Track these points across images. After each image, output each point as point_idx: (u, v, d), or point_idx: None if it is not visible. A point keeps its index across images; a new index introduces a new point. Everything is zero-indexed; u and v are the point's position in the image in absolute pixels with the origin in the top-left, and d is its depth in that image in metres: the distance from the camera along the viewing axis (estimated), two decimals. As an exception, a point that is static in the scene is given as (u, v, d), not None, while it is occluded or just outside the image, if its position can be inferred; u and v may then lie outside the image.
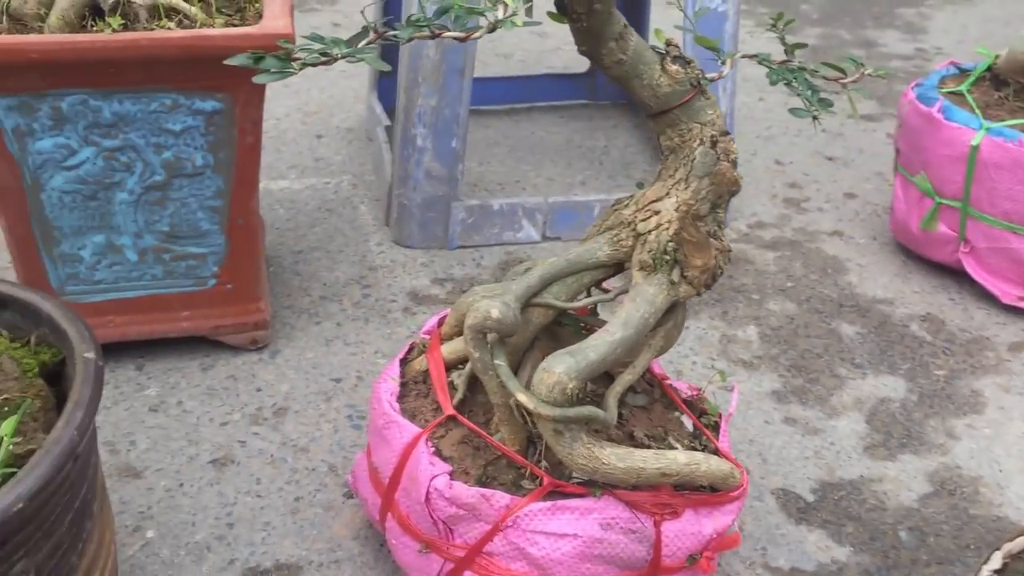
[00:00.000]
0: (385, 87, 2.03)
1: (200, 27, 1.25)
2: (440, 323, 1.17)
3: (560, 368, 0.91)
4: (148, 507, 1.21)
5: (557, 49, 2.57)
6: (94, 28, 1.23)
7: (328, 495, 1.25)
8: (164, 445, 1.30)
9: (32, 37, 1.16)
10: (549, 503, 0.96)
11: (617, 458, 0.93)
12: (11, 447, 0.80)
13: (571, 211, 1.79)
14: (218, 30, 1.21)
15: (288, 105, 2.24)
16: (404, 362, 1.12)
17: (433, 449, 1.00)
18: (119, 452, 1.29)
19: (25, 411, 0.84)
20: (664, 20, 1.67)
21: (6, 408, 0.85)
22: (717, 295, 1.66)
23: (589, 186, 1.98)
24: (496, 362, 0.96)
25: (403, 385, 1.09)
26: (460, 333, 1.11)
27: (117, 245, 1.34)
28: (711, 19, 1.69)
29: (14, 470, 0.78)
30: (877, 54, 2.70)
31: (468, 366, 1.05)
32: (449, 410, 1.03)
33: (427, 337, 1.15)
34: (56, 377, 0.95)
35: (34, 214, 1.29)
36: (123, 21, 1.23)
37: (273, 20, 1.24)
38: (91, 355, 0.89)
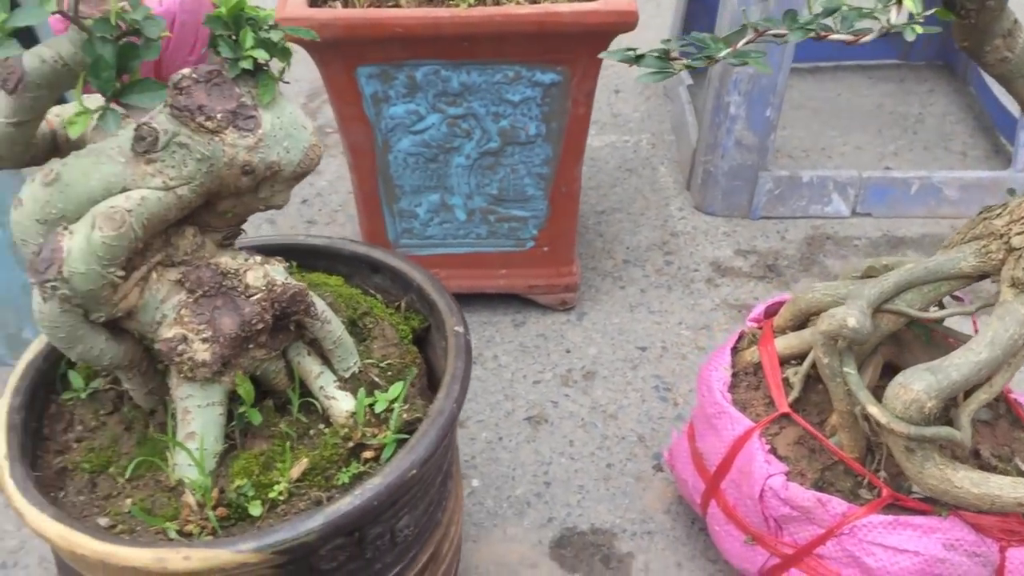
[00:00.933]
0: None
1: (545, 1, 1.28)
2: (767, 312, 1.16)
3: (919, 386, 0.88)
4: (472, 456, 1.30)
5: (865, 2, 2.43)
6: (448, 3, 1.28)
7: (638, 465, 1.28)
8: (484, 398, 1.38)
9: (398, 11, 1.23)
10: (890, 517, 0.94)
11: (972, 483, 0.90)
12: (402, 415, 0.88)
13: (886, 187, 1.70)
14: (566, 5, 1.23)
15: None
16: (735, 351, 1.12)
17: (768, 447, 1.00)
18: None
19: (410, 379, 0.92)
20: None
21: (390, 372, 0.93)
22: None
23: (902, 158, 1.87)
24: (846, 370, 0.94)
25: (734, 375, 1.09)
26: (795, 327, 1.10)
27: (449, 204, 1.42)
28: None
29: (405, 436, 0.86)
30: None
31: (805, 364, 1.04)
32: (784, 408, 1.02)
33: (754, 325, 1.15)
34: (419, 342, 1.02)
35: (381, 173, 1.38)
36: (473, -5, 1.28)
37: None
38: (460, 329, 0.95)
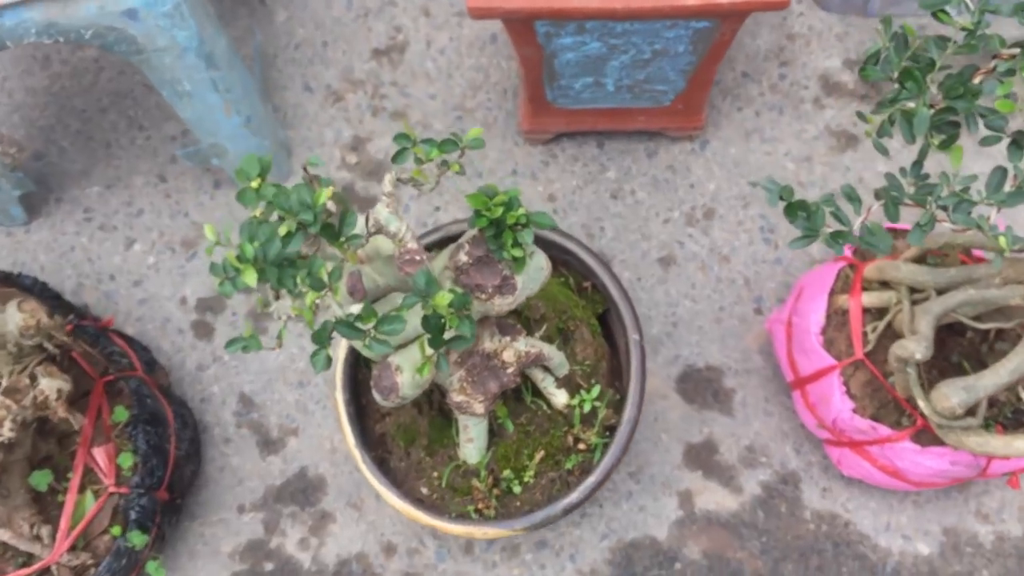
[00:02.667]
0: None
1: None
2: (854, 252, 1.50)
3: (955, 400, 1.29)
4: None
5: None
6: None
7: (743, 308, 1.71)
8: (624, 237, 1.76)
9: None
10: (917, 447, 1.41)
11: (1003, 445, 1.35)
12: (602, 419, 1.33)
13: None
14: (728, -13, 1.35)
15: None
16: (831, 293, 1.48)
17: (844, 388, 1.44)
18: (594, 236, 1.77)
19: (606, 398, 1.35)
20: None
21: (588, 369, 1.36)
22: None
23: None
24: (908, 370, 1.34)
25: (827, 317, 1.48)
26: (880, 284, 1.45)
27: (601, 83, 1.65)
28: None
29: (606, 440, 1.32)
30: None
31: (881, 325, 1.42)
32: (860, 355, 1.44)
33: (844, 266, 1.49)
34: (600, 318, 1.42)
35: (546, 69, 1.60)
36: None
37: (776, -31, 1.36)
38: (637, 337, 1.35)
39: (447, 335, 1.02)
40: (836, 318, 1.49)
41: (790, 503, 1.60)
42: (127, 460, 1.42)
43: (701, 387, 1.67)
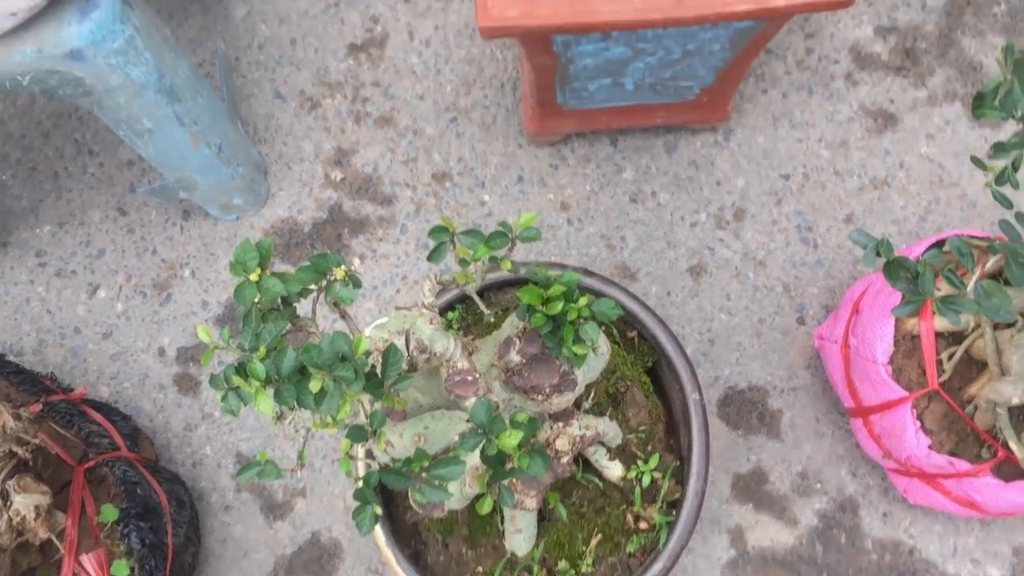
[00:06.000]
0: None
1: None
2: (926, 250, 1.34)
3: (1053, 445, 1.16)
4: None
5: None
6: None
7: (784, 319, 1.56)
8: (649, 246, 1.59)
9: (613, 10, 1.15)
10: (1001, 481, 1.29)
11: None
12: (665, 493, 1.18)
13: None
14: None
15: None
16: (897, 320, 1.34)
17: (919, 423, 1.30)
18: (615, 248, 1.59)
19: (668, 469, 1.19)
20: None
21: (643, 435, 1.20)
22: None
23: None
24: (999, 411, 1.20)
25: (895, 343, 1.33)
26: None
27: (620, 83, 1.45)
28: None
29: (670, 518, 1.17)
30: None
31: (959, 352, 1.28)
32: (935, 386, 1.29)
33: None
34: (650, 372, 1.25)
35: (559, 75, 1.40)
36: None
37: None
38: (697, 397, 1.19)
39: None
40: (904, 343, 1.34)
41: (850, 533, 1.48)
42: (122, 569, 1.24)
43: (745, 410, 1.53)
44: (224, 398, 0.83)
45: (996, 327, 1.25)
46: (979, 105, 0.92)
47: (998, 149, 0.92)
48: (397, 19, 1.68)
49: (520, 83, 1.62)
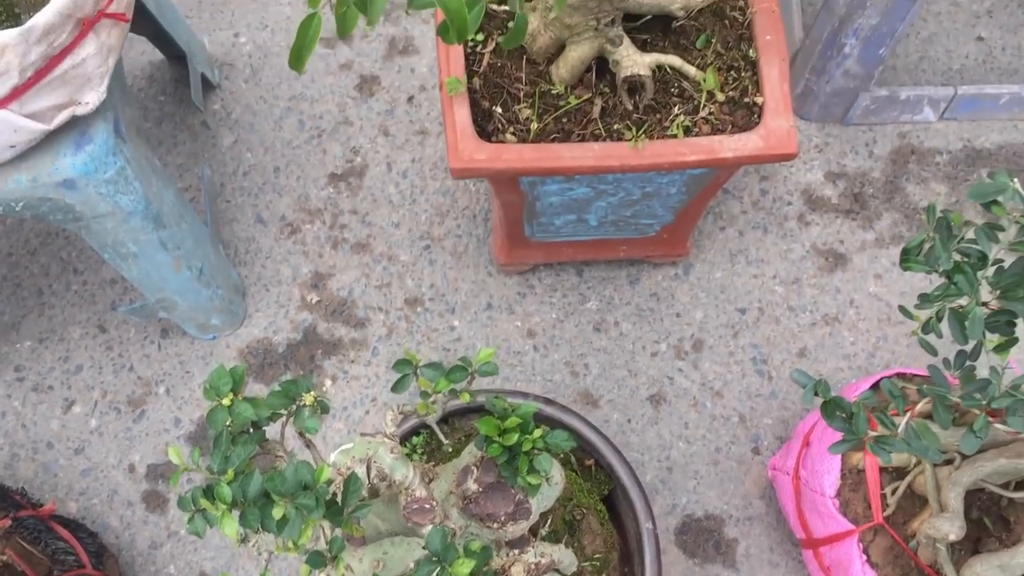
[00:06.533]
0: None
1: (705, 101, 1.29)
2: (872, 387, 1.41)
3: (991, 579, 1.21)
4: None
5: None
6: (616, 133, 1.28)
7: (739, 449, 1.61)
8: (611, 374, 1.65)
9: (572, 154, 1.24)
10: (946, 616, 1.33)
11: None
12: (618, 621, 1.21)
13: (977, 101, 1.77)
14: (730, 145, 1.24)
15: None
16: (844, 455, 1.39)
17: (864, 557, 1.34)
18: (578, 375, 1.65)
19: (612, 564, 1.23)
20: None
21: (598, 563, 1.23)
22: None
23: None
24: (938, 546, 1.25)
25: (841, 475, 1.38)
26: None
27: (584, 219, 1.54)
28: None
29: (625, 644, 1.20)
30: None
31: (902, 487, 1.33)
32: (879, 520, 1.34)
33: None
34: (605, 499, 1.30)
35: (527, 210, 1.48)
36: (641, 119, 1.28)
37: (776, 120, 1.26)
38: (650, 526, 1.24)
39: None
40: (851, 477, 1.39)
41: (804, 664, 1.50)
42: None
43: (702, 538, 1.56)
44: (191, 520, 0.87)
45: (935, 464, 1.31)
46: (906, 259, 1.00)
47: (924, 300, 0.99)
48: (376, 151, 1.77)
49: (491, 215, 1.70)
